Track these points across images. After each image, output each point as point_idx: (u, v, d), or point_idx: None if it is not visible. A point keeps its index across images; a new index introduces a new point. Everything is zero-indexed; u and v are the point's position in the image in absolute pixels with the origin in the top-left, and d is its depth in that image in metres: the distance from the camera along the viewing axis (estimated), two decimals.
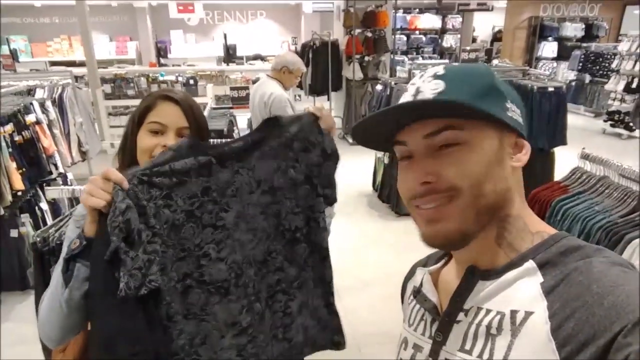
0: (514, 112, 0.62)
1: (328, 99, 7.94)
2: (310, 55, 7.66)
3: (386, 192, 4.81)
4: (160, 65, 10.13)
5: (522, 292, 0.56)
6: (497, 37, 12.42)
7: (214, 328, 0.98)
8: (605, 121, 7.76)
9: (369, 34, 7.33)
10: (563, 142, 4.23)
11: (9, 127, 3.17)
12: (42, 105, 3.77)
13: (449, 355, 0.61)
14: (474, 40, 12.86)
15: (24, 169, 3.23)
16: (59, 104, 4.19)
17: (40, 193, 3.43)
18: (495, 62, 8.71)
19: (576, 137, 5.69)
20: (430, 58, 10.61)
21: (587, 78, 8.99)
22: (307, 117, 1.08)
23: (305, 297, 1.11)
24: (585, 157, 1.90)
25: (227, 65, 9.22)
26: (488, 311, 0.58)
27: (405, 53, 11.01)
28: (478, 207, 0.58)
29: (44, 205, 3.47)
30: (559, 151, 4.29)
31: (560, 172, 2.12)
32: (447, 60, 10.09)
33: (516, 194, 0.63)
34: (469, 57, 7.54)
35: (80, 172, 4.69)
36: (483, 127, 0.59)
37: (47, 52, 10.23)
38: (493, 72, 0.63)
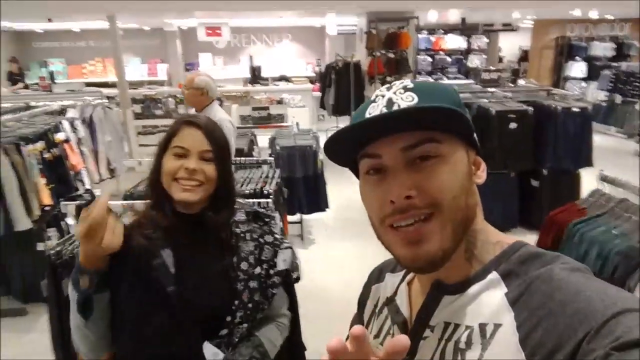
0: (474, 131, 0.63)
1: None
2: (333, 76, 7.77)
3: None
4: None
5: (489, 305, 0.55)
6: (524, 57, 12.27)
7: None
8: (637, 142, 7.50)
9: (392, 55, 7.38)
10: (589, 163, 4.12)
11: (40, 145, 3.31)
12: (72, 124, 3.94)
13: None
14: (500, 60, 12.73)
15: (53, 185, 3.35)
16: (89, 123, 4.36)
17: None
18: (521, 82, 8.57)
19: (607, 158, 5.50)
20: (456, 78, 10.53)
21: (618, 98, 8.73)
22: None
23: None
24: (603, 179, 1.84)
25: (253, 86, 9.40)
26: (456, 326, 0.58)
27: (430, 73, 10.99)
28: (455, 222, 0.57)
29: (70, 220, 3.58)
30: (586, 173, 4.17)
31: (586, 194, 2.07)
32: (471, 80, 9.99)
33: (479, 208, 0.63)
34: (490, 77, 7.44)
35: (109, 188, 4.83)
36: (455, 141, 0.60)
37: (82, 74, 10.71)
38: (456, 89, 0.64)
